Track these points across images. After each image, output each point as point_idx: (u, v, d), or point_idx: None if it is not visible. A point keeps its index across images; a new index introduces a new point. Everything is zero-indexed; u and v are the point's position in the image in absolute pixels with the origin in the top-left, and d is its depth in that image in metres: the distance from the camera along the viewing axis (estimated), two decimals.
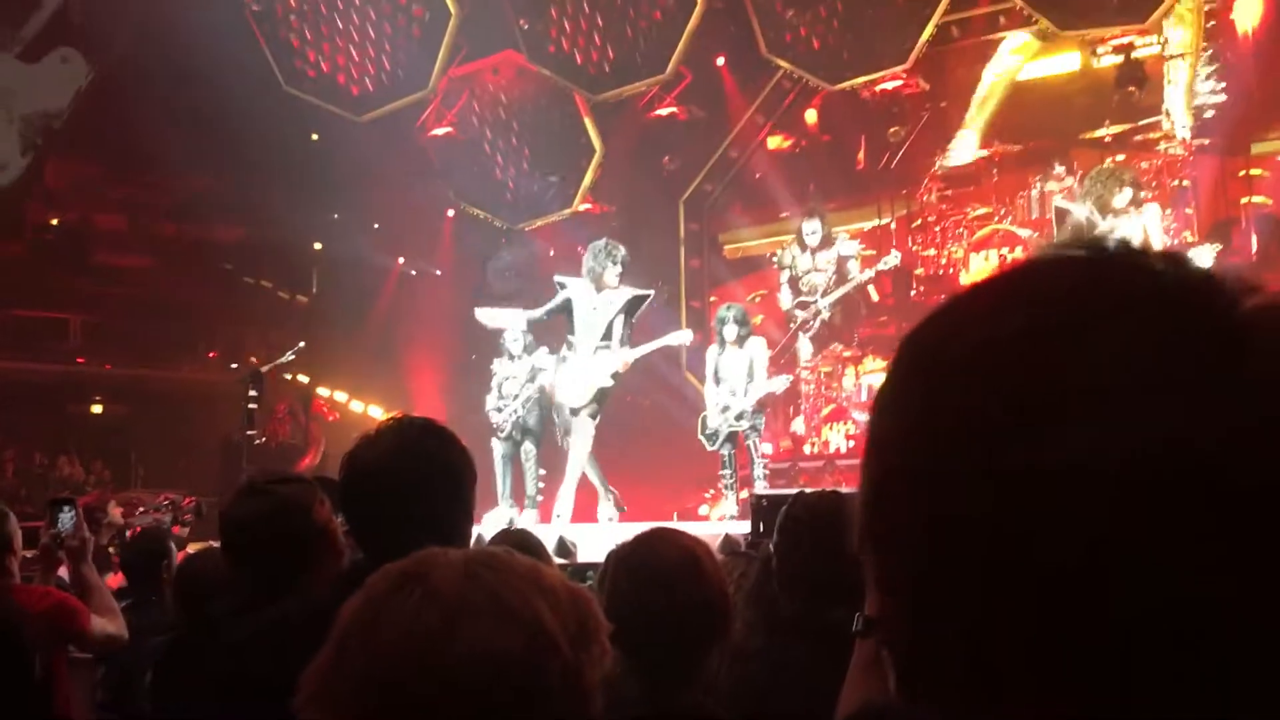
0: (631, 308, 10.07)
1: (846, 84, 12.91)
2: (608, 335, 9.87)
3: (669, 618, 2.29)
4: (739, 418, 10.15)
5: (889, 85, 13.29)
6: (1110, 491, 0.52)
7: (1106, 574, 0.52)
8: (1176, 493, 0.52)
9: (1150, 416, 0.53)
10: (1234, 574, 0.51)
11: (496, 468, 10.79)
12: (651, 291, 10.12)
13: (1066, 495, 0.53)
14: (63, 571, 4.40)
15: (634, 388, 12.68)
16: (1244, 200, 11.84)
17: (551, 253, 15.91)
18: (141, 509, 7.98)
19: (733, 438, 10.32)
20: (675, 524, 10.11)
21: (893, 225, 14.01)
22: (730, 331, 10.13)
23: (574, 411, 10.03)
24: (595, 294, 9.94)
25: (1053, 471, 0.53)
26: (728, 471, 10.42)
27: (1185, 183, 12.28)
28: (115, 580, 5.38)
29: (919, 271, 13.66)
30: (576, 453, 10.09)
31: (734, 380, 10.18)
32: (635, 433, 13.37)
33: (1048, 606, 0.53)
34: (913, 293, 13.42)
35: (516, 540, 3.44)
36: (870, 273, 11.40)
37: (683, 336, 10.98)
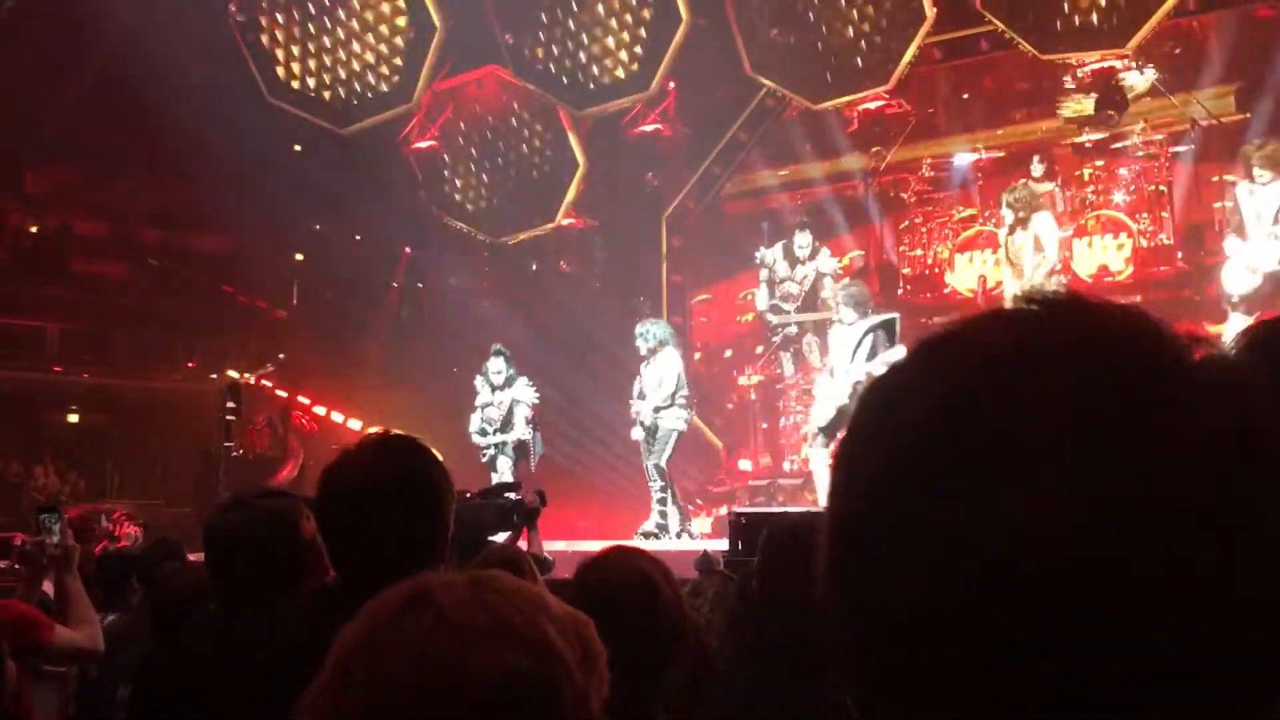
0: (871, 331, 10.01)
1: (829, 103, 12.99)
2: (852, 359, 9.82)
3: (623, 637, 2.28)
4: (647, 431, 10.47)
5: (871, 105, 13.37)
6: (1061, 544, 0.52)
7: (1052, 637, 0.52)
8: (1127, 547, 0.52)
9: (1102, 469, 0.53)
10: (1212, 633, 0.52)
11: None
12: (894, 315, 10.08)
13: (1016, 551, 0.53)
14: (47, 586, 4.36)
15: (613, 405, 12.66)
16: (1216, 205, 12.00)
17: (534, 267, 15.91)
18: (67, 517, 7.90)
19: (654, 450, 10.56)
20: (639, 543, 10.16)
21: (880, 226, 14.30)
22: (641, 346, 10.48)
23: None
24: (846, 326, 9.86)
25: (1001, 529, 0.53)
26: (653, 484, 10.71)
27: (1162, 188, 12.62)
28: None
29: (906, 271, 13.88)
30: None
31: (649, 392, 10.53)
32: (611, 451, 13.34)
33: (988, 667, 0.53)
34: (900, 291, 13.57)
35: (503, 558, 3.43)
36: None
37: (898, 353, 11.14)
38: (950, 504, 0.54)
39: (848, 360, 9.35)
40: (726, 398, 14.40)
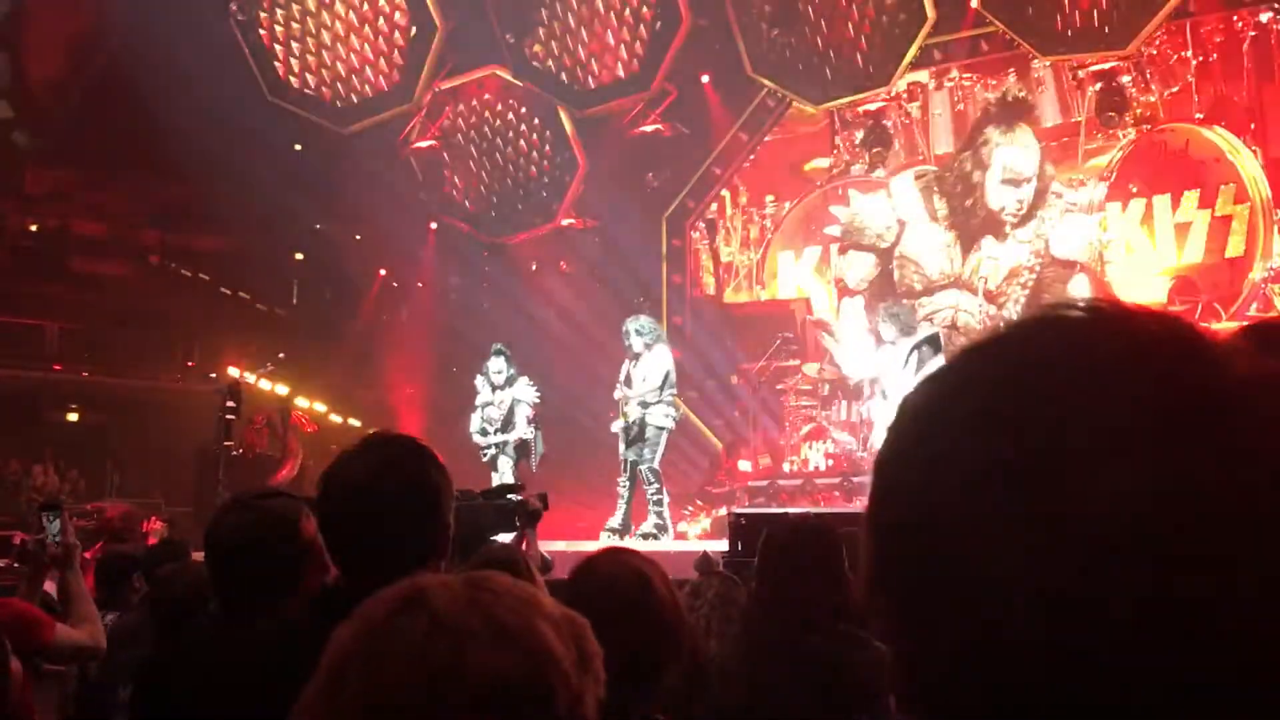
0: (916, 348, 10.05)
1: (830, 104, 13.01)
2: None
3: (618, 638, 2.28)
4: (626, 434, 10.53)
5: (871, 106, 13.38)
6: (1105, 546, 0.53)
7: (1098, 630, 0.53)
8: (1160, 552, 0.52)
9: (1140, 476, 0.53)
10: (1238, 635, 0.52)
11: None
12: (937, 330, 10.11)
13: (1063, 549, 0.53)
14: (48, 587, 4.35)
15: (610, 405, 12.67)
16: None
17: (534, 267, 15.92)
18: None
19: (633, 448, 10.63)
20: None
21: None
22: (635, 343, 10.49)
23: None
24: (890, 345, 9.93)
25: (1047, 527, 0.53)
26: (622, 479, 10.77)
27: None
28: None
29: None
30: None
31: (635, 385, 10.54)
32: (610, 450, 13.34)
33: (1036, 662, 0.54)
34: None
35: (500, 557, 3.42)
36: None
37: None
38: (1048, 492, 0.54)
39: (897, 379, 9.40)
40: (727, 398, 14.41)
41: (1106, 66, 11.99)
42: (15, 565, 4.57)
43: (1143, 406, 0.54)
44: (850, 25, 12.31)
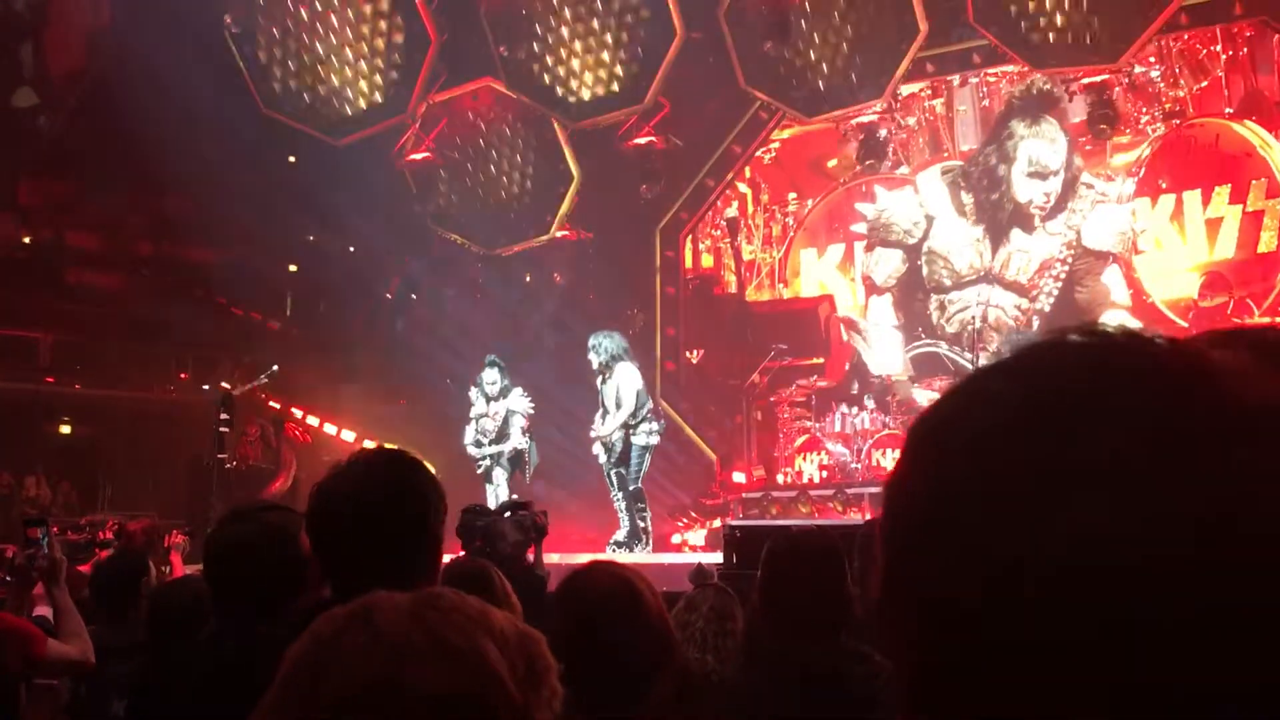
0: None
1: (823, 116, 13.05)
2: None
3: (604, 649, 2.28)
4: (606, 449, 10.54)
5: (864, 119, 13.42)
6: (1110, 577, 0.53)
7: (1105, 661, 0.53)
8: (1169, 579, 0.53)
9: (1150, 502, 0.54)
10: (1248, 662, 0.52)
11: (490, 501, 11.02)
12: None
13: (1064, 580, 0.54)
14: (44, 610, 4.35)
15: None
16: None
17: (528, 279, 15.93)
18: (55, 529, 7.81)
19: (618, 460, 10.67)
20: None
21: None
22: (594, 360, 10.53)
23: None
24: None
25: (1049, 557, 0.54)
26: (615, 495, 10.75)
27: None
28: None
29: None
30: None
31: (606, 407, 10.57)
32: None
33: (1042, 689, 0.54)
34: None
35: (470, 572, 3.42)
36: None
37: None
38: (1011, 525, 0.55)
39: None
40: (721, 409, 14.41)
41: (1098, 80, 12.04)
42: (7, 579, 4.56)
43: (1146, 436, 0.55)
44: (843, 38, 12.35)
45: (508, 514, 6.10)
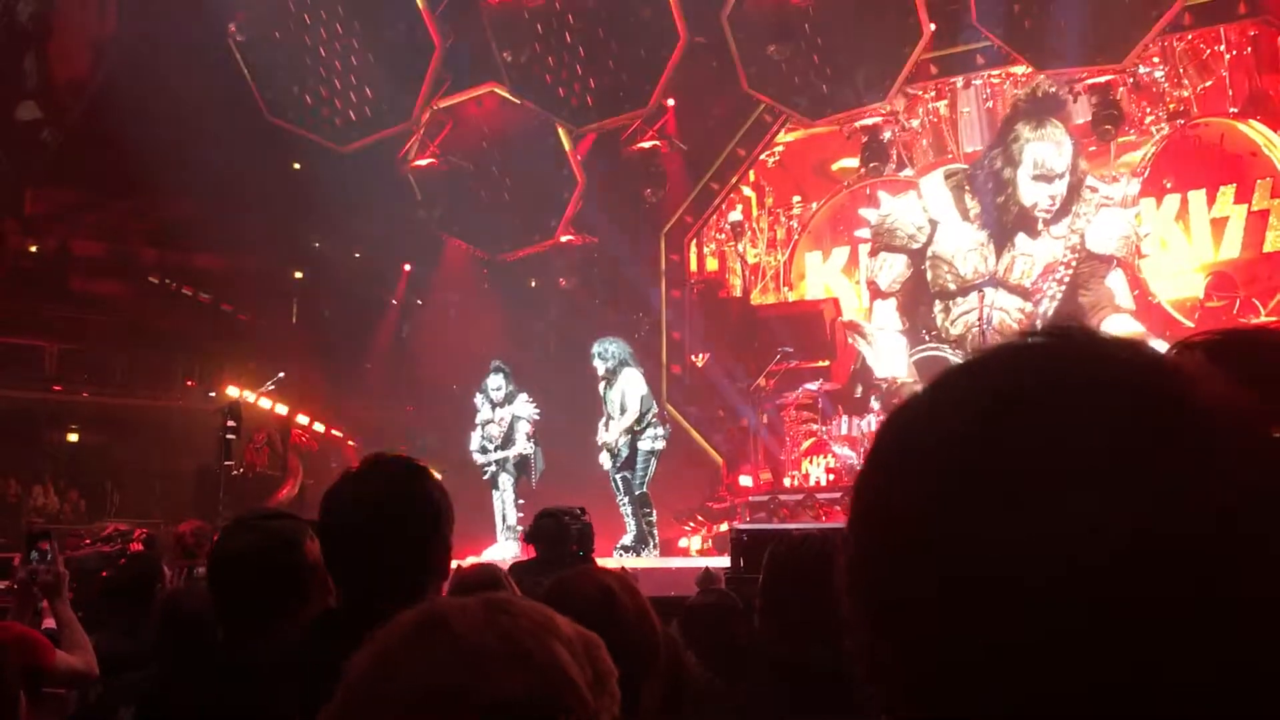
0: None
1: (827, 119, 13.05)
2: None
3: None
4: (612, 454, 10.51)
5: (869, 121, 13.42)
6: (1071, 575, 0.54)
7: (1063, 662, 0.54)
8: (1134, 578, 0.53)
9: (1110, 502, 0.54)
10: (1208, 662, 0.53)
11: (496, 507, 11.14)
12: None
13: (1022, 580, 0.54)
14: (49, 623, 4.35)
15: None
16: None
17: (533, 284, 15.93)
18: (87, 541, 7.81)
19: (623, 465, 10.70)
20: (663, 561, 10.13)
21: None
22: (599, 367, 10.49)
23: None
24: None
25: (1010, 557, 0.55)
26: (621, 499, 10.77)
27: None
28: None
29: None
30: None
31: (611, 413, 10.54)
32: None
33: (1000, 684, 0.55)
34: None
35: (481, 580, 3.41)
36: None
37: None
38: (974, 526, 0.56)
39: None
40: (728, 413, 14.40)
41: (1102, 80, 12.02)
42: (14, 587, 4.57)
43: (1103, 438, 0.56)
44: (847, 41, 12.35)
45: (567, 518, 6.08)
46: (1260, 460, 0.56)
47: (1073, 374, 0.59)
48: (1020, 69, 12.72)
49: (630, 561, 9.27)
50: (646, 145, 14.31)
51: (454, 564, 2.48)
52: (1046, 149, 12.04)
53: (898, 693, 0.60)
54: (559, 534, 5.83)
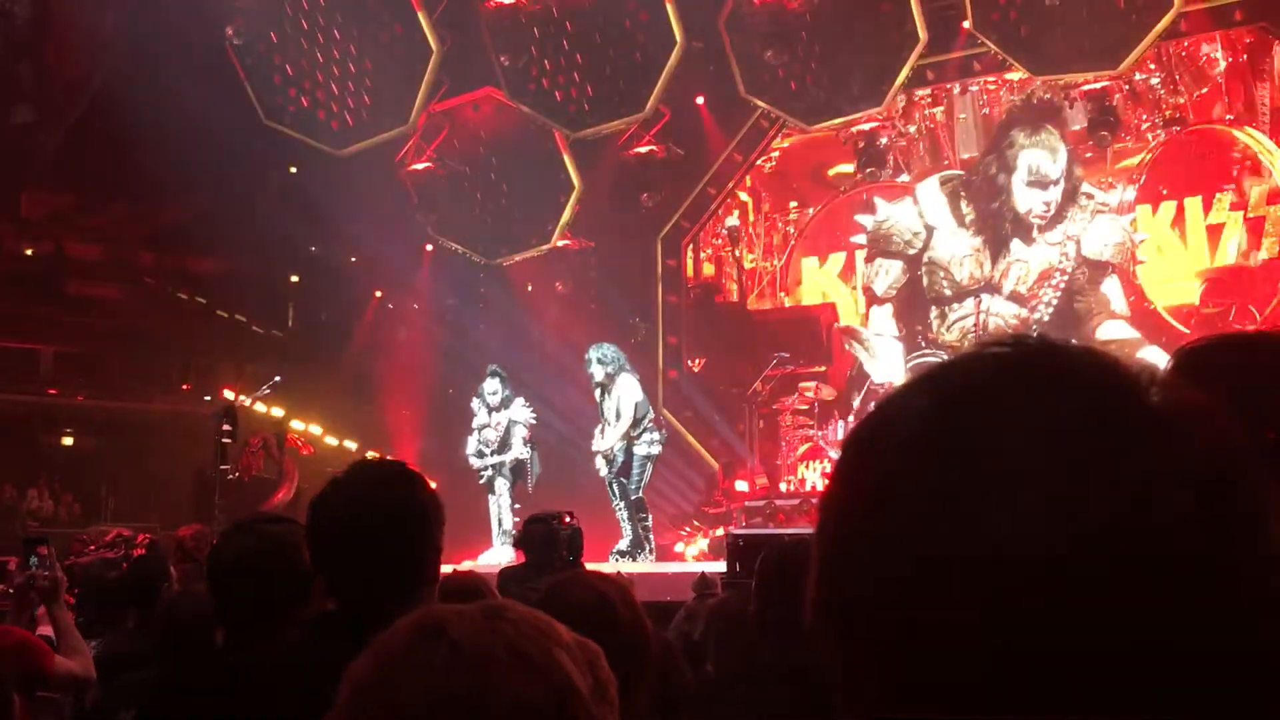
0: None
1: (824, 124, 13.06)
2: None
3: None
4: (607, 460, 10.53)
5: (866, 126, 13.44)
6: (1028, 578, 0.55)
7: (1025, 666, 0.55)
8: (1090, 578, 0.54)
9: (1066, 503, 0.55)
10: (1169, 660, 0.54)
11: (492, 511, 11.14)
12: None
13: (983, 582, 0.56)
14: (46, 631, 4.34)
15: None
16: None
17: (529, 288, 15.94)
18: (92, 548, 7.79)
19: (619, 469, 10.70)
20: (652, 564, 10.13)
21: None
22: (597, 372, 10.49)
23: None
24: None
25: (967, 559, 0.56)
26: (617, 504, 10.75)
27: None
28: None
29: None
30: None
31: (608, 419, 10.56)
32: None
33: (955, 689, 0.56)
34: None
35: (463, 587, 3.41)
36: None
37: None
38: (927, 527, 0.57)
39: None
40: (724, 418, 14.41)
41: (1098, 86, 12.05)
42: (10, 591, 4.57)
43: (1055, 439, 0.57)
44: (843, 47, 12.36)
45: (555, 522, 6.09)
46: (1210, 457, 0.57)
47: (1025, 377, 0.60)
48: (1016, 75, 12.74)
49: (626, 566, 9.28)
50: (643, 150, 14.33)
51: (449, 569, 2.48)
52: (1041, 155, 12.06)
53: (857, 694, 0.61)
54: (549, 539, 5.84)
